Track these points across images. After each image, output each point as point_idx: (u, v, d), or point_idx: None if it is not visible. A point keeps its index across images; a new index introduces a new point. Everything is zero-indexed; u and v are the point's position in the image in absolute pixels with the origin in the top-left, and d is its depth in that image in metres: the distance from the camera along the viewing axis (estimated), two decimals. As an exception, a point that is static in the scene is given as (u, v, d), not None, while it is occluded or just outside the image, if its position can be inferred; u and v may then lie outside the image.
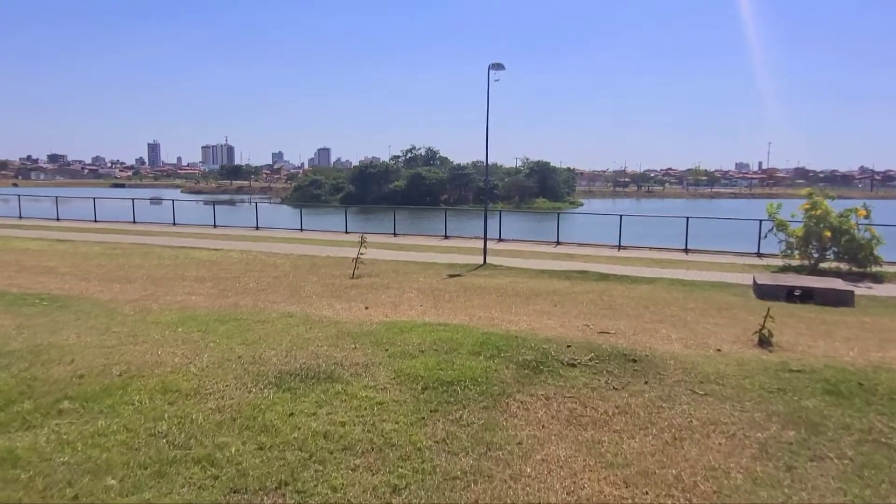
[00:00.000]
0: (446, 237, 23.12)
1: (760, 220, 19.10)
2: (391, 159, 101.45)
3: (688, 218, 20.40)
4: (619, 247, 20.57)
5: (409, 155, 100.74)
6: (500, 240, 22.29)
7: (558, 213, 22.17)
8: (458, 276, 13.73)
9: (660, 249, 20.37)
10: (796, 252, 16.53)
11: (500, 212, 23.32)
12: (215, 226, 26.61)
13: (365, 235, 13.60)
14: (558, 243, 21.48)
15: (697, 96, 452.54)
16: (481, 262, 16.21)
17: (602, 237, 21.93)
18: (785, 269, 16.11)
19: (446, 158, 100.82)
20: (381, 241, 21.50)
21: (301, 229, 25.41)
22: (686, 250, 19.90)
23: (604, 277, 13.80)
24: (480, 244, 20.80)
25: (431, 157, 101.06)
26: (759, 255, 18.93)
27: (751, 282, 13.38)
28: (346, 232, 24.62)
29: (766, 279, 11.85)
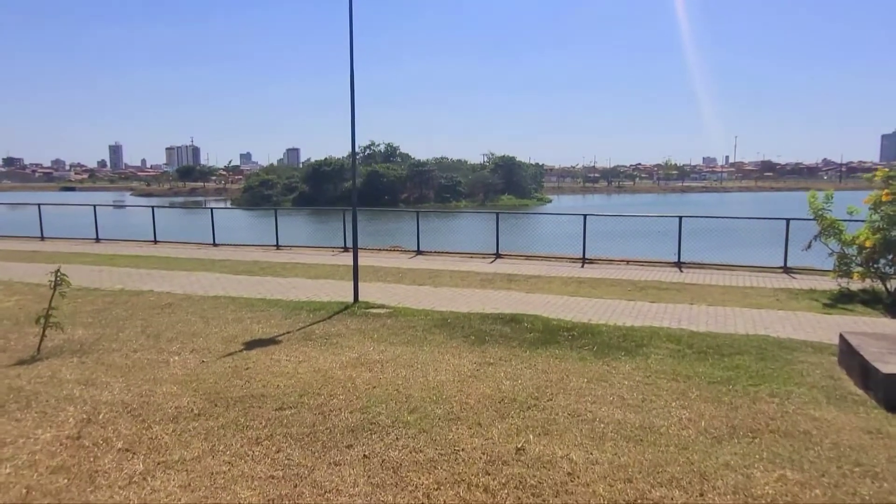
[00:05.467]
0: (345, 249, 16.47)
1: (788, 220, 12.99)
2: (348, 156, 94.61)
3: (681, 217, 14.08)
4: (584, 260, 14.24)
5: (367, 152, 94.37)
6: (418, 252, 15.76)
7: (497, 214, 15.82)
8: (272, 341, 7.18)
9: (641, 263, 14.06)
10: (856, 269, 10.40)
11: (418, 213, 16.73)
12: (43, 238, 19.61)
13: (62, 271, 6.84)
14: (498, 256, 15.02)
15: (664, 92, 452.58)
16: (353, 297, 9.71)
17: (563, 244, 15.58)
18: (848, 299, 9.97)
19: (407, 155, 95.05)
20: (245, 260, 14.83)
21: (155, 241, 18.55)
22: (679, 264, 13.62)
23: (549, 335, 7.38)
24: (389, 259, 14.44)
25: (391, 153, 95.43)
26: (786, 269, 12.77)
27: (820, 336, 7.13)
28: (215, 245, 17.88)
29: (884, 354, 5.47)
